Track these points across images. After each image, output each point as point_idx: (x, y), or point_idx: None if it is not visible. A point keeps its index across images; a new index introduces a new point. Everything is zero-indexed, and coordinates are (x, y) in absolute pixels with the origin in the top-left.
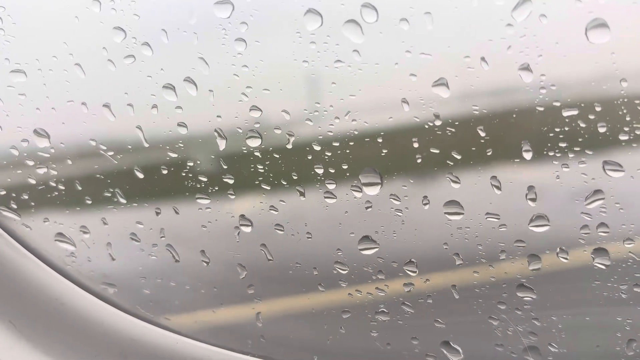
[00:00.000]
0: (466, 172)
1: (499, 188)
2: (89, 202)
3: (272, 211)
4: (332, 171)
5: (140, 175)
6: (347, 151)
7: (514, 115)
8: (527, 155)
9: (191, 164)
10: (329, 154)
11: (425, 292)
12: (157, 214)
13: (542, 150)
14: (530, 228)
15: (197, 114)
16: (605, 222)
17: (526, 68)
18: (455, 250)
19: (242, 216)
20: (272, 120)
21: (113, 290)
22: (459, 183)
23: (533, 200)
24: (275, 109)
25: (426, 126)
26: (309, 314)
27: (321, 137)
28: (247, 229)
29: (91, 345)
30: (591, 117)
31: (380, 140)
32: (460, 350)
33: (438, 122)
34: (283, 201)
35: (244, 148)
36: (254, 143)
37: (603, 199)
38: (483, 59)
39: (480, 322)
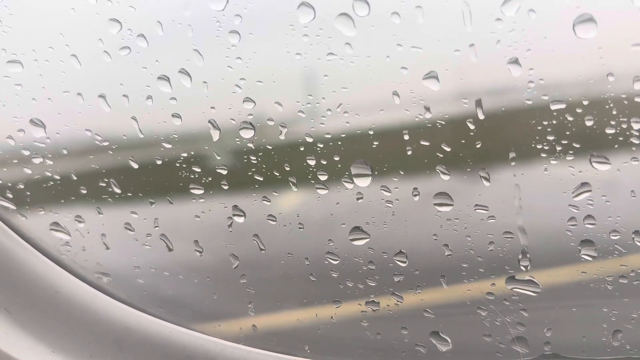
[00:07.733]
0: (456, 164)
1: (487, 180)
2: (84, 191)
3: (264, 202)
4: (324, 163)
5: (135, 166)
6: (339, 143)
7: (503, 109)
8: (516, 148)
9: (185, 154)
10: (321, 145)
11: (415, 282)
12: (152, 203)
13: (530, 143)
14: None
15: (191, 105)
16: (592, 214)
17: (515, 62)
18: (444, 241)
19: (235, 206)
20: (265, 112)
21: (107, 279)
22: (449, 175)
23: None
24: (268, 100)
25: (416, 119)
26: (300, 303)
27: (313, 129)
28: (240, 219)
29: (85, 333)
30: (579, 110)
31: (371, 132)
32: (449, 340)
33: (428, 115)
34: (276, 192)
35: (237, 139)
36: (247, 134)
37: (590, 191)
38: (473, 52)
39: (469, 312)
